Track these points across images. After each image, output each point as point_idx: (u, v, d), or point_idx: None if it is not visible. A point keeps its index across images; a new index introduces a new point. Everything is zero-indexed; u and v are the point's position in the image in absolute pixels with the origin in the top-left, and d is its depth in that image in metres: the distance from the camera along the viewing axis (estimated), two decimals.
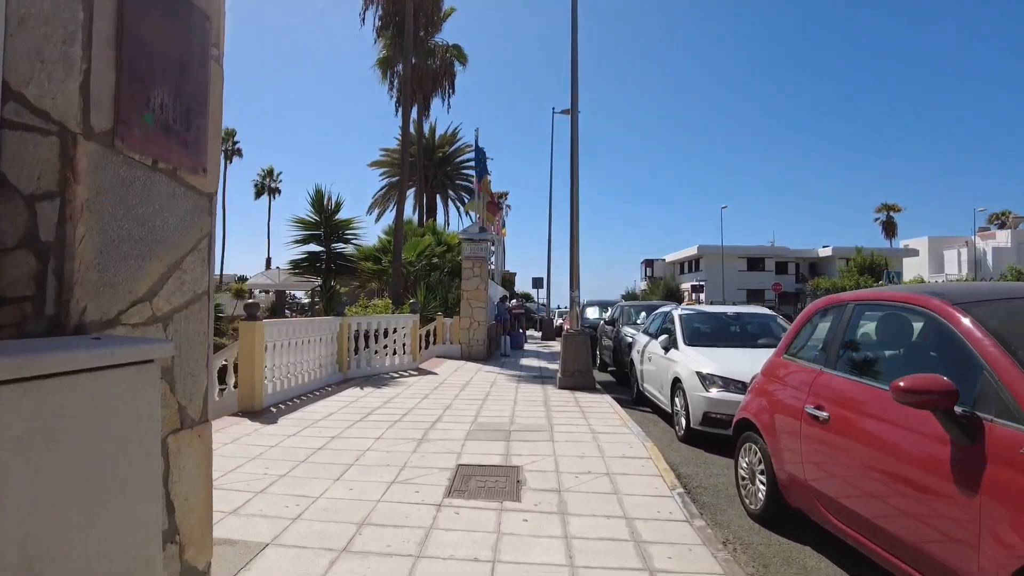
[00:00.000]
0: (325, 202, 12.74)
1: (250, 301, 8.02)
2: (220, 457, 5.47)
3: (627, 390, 11.27)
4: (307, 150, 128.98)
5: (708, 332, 8.41)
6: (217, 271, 54.01)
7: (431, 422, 7.37)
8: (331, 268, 12.89)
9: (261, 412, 7.75)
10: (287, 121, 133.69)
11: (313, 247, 13.08)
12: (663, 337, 8.39)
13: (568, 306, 11.55)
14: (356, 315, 12.70)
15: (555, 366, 15.23)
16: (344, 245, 13.41)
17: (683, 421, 7.22)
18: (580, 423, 7.49)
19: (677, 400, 7.51)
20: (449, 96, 28.12)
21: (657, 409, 9.08)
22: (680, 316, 8.69)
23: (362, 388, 10.11)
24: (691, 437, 7.05)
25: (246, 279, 43.83)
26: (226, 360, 8.12)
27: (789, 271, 61.38)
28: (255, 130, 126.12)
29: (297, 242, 12.98)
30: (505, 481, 5.10)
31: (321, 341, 10.23)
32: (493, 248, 22.79)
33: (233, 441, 6.13)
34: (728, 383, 6.80)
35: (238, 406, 7.80)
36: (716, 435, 6.75)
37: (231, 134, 56.10)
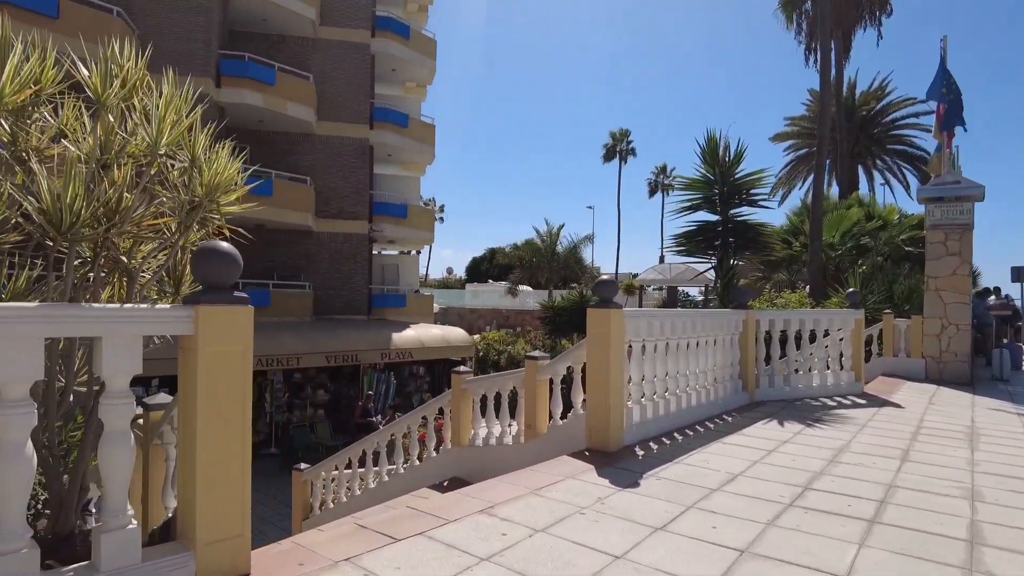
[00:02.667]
0: (721, 152, 9.21)
1: (604, 277, 5.21)
2: (499, 571, 2.65)
3: None
4: (697, 142, 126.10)
5: None
6: (612, 269, 55.59)
7: (957, 540, 3.29)
8: (728, 242, 9.30)
9: (618, 455, 4.85)
10: (675, 116, 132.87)
11: (704, 215, 9.66)
12: None
13: None
14: (765, 309, 8.93)
15: None
16: (751, 209, 9.54)
17: None
18: None
19: None
20: (880, 23, 21.14)
21: None
22: None
23: (781, 424, 6.35)
24: None
25: (637, 275, 43.35)
26: (571, 366, 5.51)
27: None
28: (647, 130, 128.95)
29: (684, 209, 9.72)
30: None
31: (715, 344, 6.87)
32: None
33: (547, 528, 3.28)
34: None
35: (586, 440, 5.05)
36: None
37: (625, 134, 57.12)
